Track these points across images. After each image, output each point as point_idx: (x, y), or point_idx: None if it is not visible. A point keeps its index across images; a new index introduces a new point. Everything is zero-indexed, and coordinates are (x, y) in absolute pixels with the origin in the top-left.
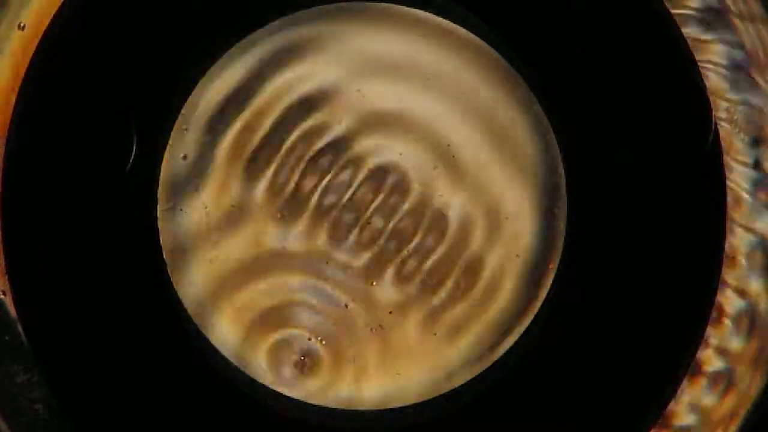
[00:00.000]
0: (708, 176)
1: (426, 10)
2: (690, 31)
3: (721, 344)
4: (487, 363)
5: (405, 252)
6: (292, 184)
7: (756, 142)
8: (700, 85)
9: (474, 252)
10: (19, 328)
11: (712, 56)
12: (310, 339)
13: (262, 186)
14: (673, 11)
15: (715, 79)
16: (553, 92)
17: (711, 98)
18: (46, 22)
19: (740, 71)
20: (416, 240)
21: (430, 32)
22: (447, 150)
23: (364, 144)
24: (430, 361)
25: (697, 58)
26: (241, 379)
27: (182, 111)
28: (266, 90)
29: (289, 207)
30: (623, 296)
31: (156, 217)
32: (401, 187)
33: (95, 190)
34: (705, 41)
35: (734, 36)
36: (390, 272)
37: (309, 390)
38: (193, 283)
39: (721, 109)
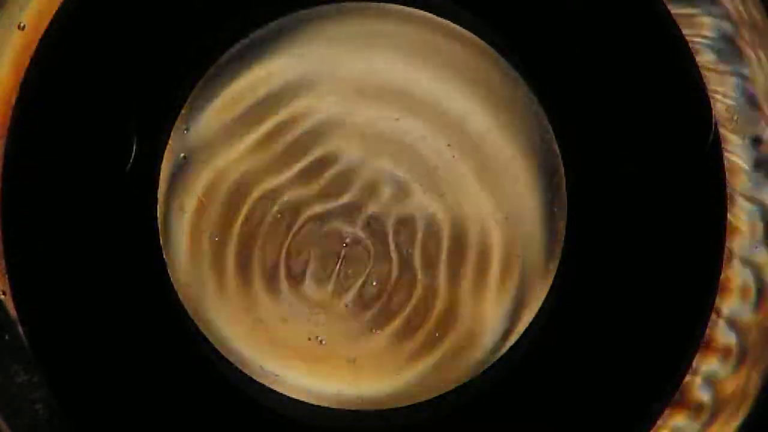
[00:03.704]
0: (708, 176)
1: (426, 10)
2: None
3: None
4: (487, 363)
5: (405, 252)
6: (290, 184)
7: (756, 142)
8: (700, 85)
9: (474, 252)
10: (19, 328)
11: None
12: (309, 339)
13: (261, 186)
14: (673, 12)
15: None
16: (553, 92)
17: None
18: (46, 22)
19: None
20: (416, 240)
21: (430, 33)
22: (447, 150)
23: (364, 144)
24: (430, 361)
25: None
26: (242, 379)
27: (182, 111)
28: (267, 89)
29: (289, 207)
30: (623, 296)
31: (156, 217)
32: (400, 189)
33: (95, 190)
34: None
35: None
36: (390, 272)
37: (309, 388)
38: (193, 283)
39: (721, 109)
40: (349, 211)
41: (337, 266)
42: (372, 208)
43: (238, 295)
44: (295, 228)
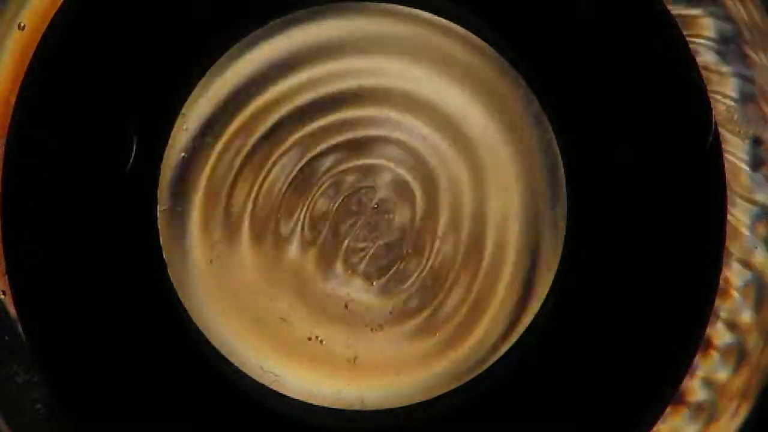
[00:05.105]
0: (708, 176)
1: (426, 10)
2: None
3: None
4: (486, 363)
5: (405, 252)
6: (290, 185)
7: (756, 142)
8: (700, 85)
9: (473, 252)
10: (19, 328)
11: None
12: (310, 339)
13: (260, 186)
14: (673, 12)
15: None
16: (553, 92)
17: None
18: (46, 22)
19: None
20: (415, 240)
21: (430, 32)
22: (446, 150)
23: (364, 144)
24: (431, 361)
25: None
26: (242, 380)
27: (182, 111)
28: (267, 89)
29: (288, 208)
30: (623, 296)
31: (156, 217)
32: (400, 188)
33: (95, 190)
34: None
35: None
36: (390, 272)
37: (309, 388)
38: (193, 283)
39: (721, 109)
40: (349, 208)
41: (357, 225)
42: (371, 206)
43: (238, 294)
44: (303, 211)
